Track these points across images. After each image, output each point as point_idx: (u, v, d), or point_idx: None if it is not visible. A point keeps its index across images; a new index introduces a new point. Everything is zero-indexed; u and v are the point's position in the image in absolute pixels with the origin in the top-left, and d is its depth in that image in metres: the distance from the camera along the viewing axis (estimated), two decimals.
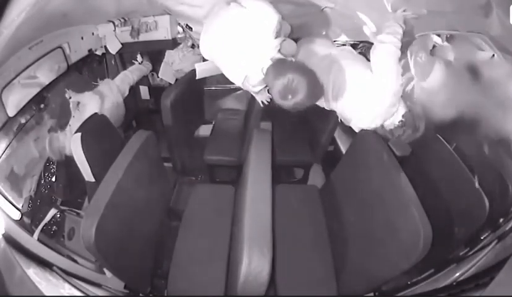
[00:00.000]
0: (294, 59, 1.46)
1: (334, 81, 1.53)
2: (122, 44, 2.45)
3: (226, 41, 1.46)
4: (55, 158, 1.98)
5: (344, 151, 2.17)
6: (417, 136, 1.53)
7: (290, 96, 1.30)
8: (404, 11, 1.48)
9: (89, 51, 2.34)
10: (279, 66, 1.36)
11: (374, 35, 1.82)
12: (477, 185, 1.40)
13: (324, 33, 2.15)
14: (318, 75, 1.45)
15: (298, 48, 1.75)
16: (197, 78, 2.53)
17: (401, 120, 1.50)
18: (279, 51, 1.43)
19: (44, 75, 1.88)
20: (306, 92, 1.30)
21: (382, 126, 1.56)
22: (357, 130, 1.63)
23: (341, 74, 1.50)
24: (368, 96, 1.46)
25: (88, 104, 2.10)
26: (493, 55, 1.45)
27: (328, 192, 1.93)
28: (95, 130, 1.77)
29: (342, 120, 1.67)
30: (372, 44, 2.00)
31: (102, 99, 2.18)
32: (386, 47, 1.42)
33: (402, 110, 1.50)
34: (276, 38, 1.41)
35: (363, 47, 2.34)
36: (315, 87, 1.36)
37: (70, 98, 2.14)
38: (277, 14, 1.39)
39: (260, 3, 1.41)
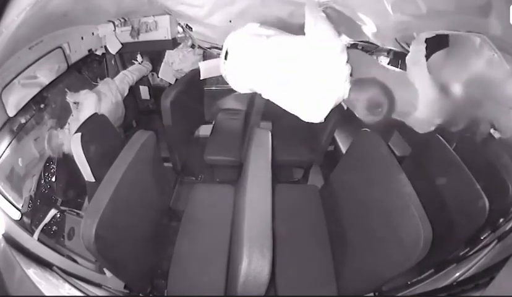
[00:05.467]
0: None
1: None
2: (122, 44, 2.45)
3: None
4: (54, 155, 1.98)
5: (344, 151, 2.18)
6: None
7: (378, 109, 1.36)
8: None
9: (89, 51, 2.33)
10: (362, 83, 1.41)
11: (374, 35, 1.83)
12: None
13: None
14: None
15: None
16: (201, 78, 2.53)
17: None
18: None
19: (44, 75, 1.88)
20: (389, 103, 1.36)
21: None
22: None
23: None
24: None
25: (84, 101, 2.10)
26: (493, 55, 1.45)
27: (328, 192, 1.93)
28: (95, 130, 1.77)
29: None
30: (372, 44, 2.02)
31: (99, 97, 2.18)
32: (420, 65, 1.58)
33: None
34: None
35: (362, 47, 2.35)
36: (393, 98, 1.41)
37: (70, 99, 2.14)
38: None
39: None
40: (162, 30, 2.43)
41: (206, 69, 2.49)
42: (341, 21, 1.85)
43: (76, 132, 1.65)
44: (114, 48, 2.45)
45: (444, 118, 1.69)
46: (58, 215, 1.86)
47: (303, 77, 1.40)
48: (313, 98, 1.41)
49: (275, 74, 1.46)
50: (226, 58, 1.62)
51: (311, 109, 1.45)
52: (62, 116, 2.16)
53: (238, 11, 1.82)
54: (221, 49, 2.50)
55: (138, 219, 1.48)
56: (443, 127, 1.71)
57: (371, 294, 1.46)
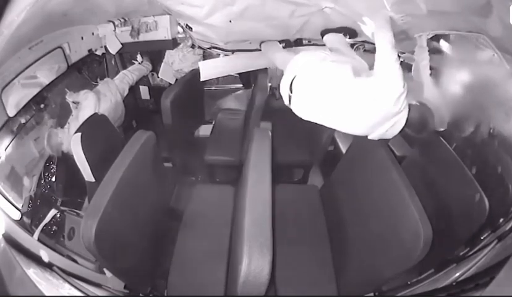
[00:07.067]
0: None
1: None
2: (122, 44, 2.45)
3: None
4: (53, 153, 1.98)
5: (344, 151, 2.18)
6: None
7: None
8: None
9: (89, 51, 2.34)
10: None
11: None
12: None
13: None
14: None
15: None
16: (202, 80, 2.52)
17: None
18: None
19: (44, 75, 1.88)
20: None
21: None
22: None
23: None
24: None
25: (83, 101, 2.10)
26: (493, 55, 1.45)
27: (328, 192, 1.93)
28: (95, 130, 1.77)
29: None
30: (372, 44, 2.00)
31: (98, 96, 2.18)
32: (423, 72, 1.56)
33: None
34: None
35: (362, 47, 2.34)
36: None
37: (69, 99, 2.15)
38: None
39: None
40: (162, 30, 2.42)
41: (207, 70, 2.49)
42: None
43: (76, 132, 1.65)
44: (114, 48, 2.45)
45: (449, 121, 1.68)
46: (58, 215, 1.86)
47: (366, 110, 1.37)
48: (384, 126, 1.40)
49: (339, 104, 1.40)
50: (291, 90, 1.51)
51: (386, 135, 1.43)
52: (62, 115, 2.16)
53: (239, 11, 1.81)
54: (220, 49, 2.52)
55: (138, 220, 1.48)
56: (449, 131, 1.70)
57: (371, 294, 1.46)
